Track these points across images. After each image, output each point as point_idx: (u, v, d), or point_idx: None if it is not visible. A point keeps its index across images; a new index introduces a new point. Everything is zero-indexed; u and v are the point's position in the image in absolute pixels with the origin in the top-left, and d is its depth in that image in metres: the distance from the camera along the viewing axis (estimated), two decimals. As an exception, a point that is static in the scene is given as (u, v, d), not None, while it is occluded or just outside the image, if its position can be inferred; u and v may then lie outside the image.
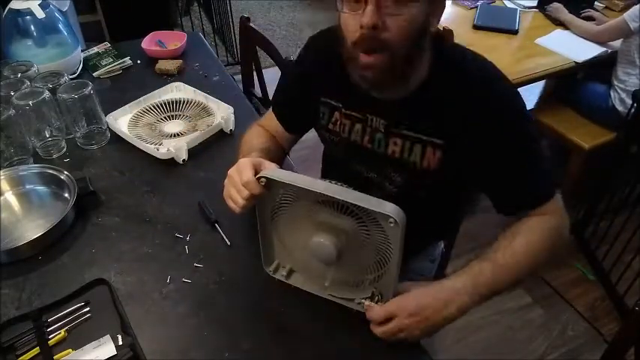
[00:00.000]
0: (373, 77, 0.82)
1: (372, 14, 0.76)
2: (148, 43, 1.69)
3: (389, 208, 0.73)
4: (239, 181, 0.85)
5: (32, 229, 1.07)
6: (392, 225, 0.73)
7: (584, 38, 2.11)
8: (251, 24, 1.76)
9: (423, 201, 0.95)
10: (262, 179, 0.82)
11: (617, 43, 2.05)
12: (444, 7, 0.85)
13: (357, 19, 0.77)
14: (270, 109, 1.15)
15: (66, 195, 1.13)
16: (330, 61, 0.94)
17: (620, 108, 2.00)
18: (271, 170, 0.83)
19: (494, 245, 0.88)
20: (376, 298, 0.85)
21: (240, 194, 0.85)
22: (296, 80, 1.08)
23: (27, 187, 1.17)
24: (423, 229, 0.90)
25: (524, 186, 0.90)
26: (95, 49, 1.67)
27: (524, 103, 0.88)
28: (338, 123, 1.01)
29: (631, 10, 1.93)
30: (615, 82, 2.02)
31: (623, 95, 1.98)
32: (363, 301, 0.86)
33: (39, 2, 1.44)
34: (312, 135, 1.12)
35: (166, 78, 1.57)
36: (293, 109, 1.10)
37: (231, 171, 0.89)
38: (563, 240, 0.92)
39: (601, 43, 2.08)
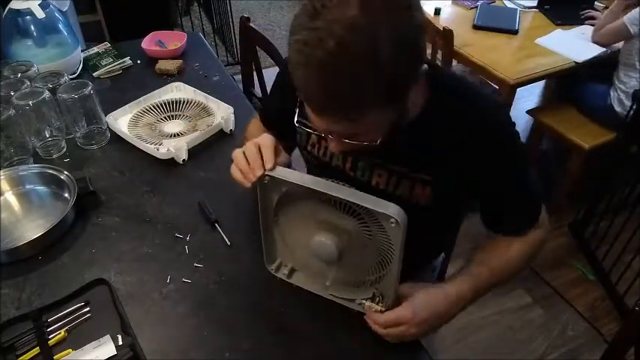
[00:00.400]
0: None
1: (338, 145, 0.74)
2: (148, 43, 1.69)
3: (390, 208, 0.73)
4: (257, 156, 0.81)
5: (32, 229, 1.07)
6: (393, 225, 0.73)
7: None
8: (251, 24, 1.77)
9: (420, 224, 0.88)
10: (266, 177, 0.82)
11: (618, 44, 2.04)
12: (424, 83, 0.79)
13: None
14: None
15: (66, 195, 1.13)
16: None
17: (618, 109, 2.00)
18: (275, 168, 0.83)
19: (487, 248, 0.89)
20: (377, 299, 0.85)
21: (253, 173, 0.81)
22: (278, 90, 1.03)
23: (27, 187, 1.17)
24: (422, 246, 0.90)
25: (517, 213, 0.90)
26: (95, 49, 1.67)
27: (512, 125, 0.83)
28: (316, 147, 0.95)
29: (631, 13, 1.91)
30: (616, 83, 2.01)
31: (622, 96, 1.98)
32: (363, 301, 0.85)
33: (39, 2, 1.44)
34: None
35: (166, 78, 1.57)
36: (279, 120, 1.01)
37: (251, 144, 0.84)
38: (542, 250, 0.94)
39: (601, 44, 2.08)
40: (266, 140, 0.83)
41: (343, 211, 0.78)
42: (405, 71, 0.65)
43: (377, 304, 0.84)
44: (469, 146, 0.80)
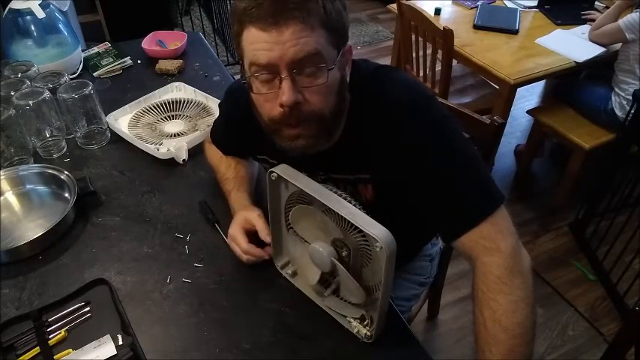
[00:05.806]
0: (305, 145, 0.78)
1: (291, 91, 0.71)
2: (148, 43, 1.69)
3: (376, 230, 0.69)
4: (240, 251, 0.95)
5: (32, 229, 1.07)
6: (378, 250, 0.70)
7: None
8: (251, 24, 1.76)
9: (395, 210, 0.86)
10: (274, 174, 0.82)
11: (617, 44, 2.04)
12: (351, 54, 0.81)
13: (273, 97, 0.73)
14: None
15: (66, 195, 1.13)
16: (253, 120, 0.84)
17: (619, 113, 1.98)
18: (284, 167, 0.83)
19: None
20: (366, 321, 0.83)
21: (253, 259, 0.95)
22: (230, 124, 1.07)
23: (27, 187, 1.17)
24: (407, 231, 0.85)
25: (460, 202, 0.79)
26: (95, 49, 1.67)
27: (439, 116, 0.81)
28: None
29: (627, 18, 1.89)
30: (616, 89, 2.00)
31: (624, 102, 1.97)
32: (351, 320, 0.85)
33: (39, 2, 1.44)
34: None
35: (166, 78, 1.57)
36: (236, 146, 1.09)
37: (229, 242, 0.98)
38: (527, 283, 0.76)
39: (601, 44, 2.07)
40: (233, 233, 0.95)
41: (347, 225, 0.76)
42: (342, 15, 0.73)
43: (364, 326, 0.83)
44: (390, 135, 0.80)
